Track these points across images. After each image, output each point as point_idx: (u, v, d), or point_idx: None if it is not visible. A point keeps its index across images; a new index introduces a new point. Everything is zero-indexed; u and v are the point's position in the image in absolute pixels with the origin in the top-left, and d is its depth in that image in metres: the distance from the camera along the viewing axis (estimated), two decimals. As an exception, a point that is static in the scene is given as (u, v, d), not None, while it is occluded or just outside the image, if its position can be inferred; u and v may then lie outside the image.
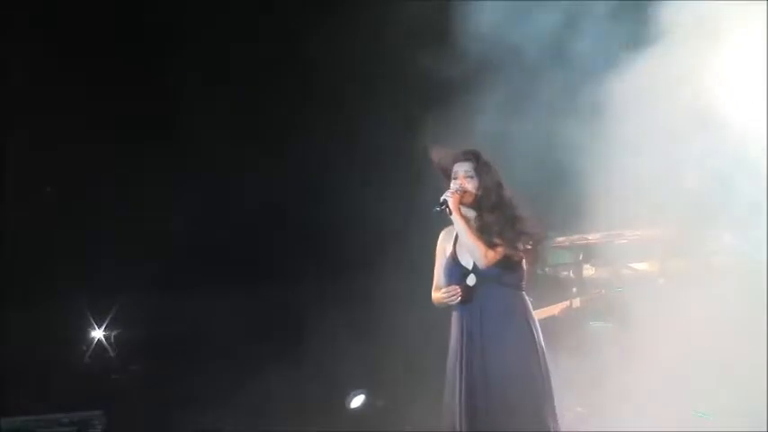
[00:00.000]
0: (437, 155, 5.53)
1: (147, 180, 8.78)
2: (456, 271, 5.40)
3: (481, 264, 5.31)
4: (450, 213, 5.34)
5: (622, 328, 8.30)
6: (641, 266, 8.47)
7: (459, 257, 5.43)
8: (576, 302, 7.64)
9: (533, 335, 5.36)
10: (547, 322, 7.42)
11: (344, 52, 8.65)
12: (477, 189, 5.41)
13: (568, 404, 7.44)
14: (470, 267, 5.38)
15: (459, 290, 5.33)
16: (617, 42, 7.77)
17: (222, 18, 8.66)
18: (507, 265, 5.36)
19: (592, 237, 8.54)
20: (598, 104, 8.01)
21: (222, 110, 8.84)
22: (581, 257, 8.50)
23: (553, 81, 8.24)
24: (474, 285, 5.35)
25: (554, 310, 7.53)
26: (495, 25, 7.78)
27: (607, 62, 7.81)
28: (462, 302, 5.34)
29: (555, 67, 8.09)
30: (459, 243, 5.46)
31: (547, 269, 8.19)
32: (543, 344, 5.39)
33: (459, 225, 5.36)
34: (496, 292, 5.34)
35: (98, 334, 8.81)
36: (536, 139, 8.42)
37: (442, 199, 5.37)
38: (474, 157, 5.47)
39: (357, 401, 8.94)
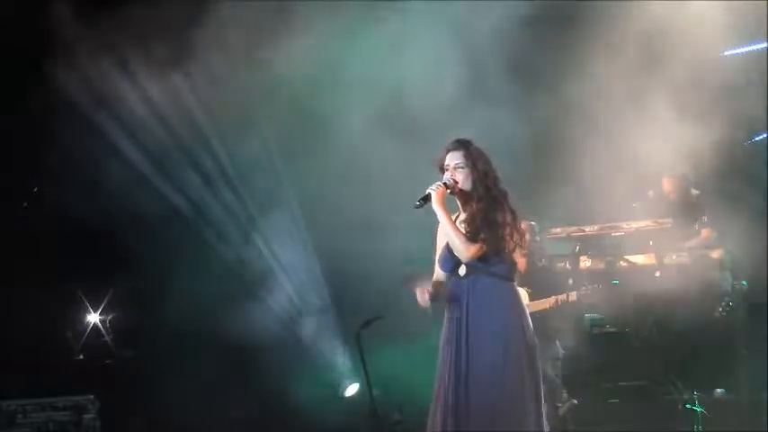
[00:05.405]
0: (437, 160, 5.41)
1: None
2: (449, 261, 5.36)
3: (463, 257, 5.26)
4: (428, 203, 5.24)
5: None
6: (638, 259, 8.47)
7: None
8: (573, 295, 7.60)
9: (521, 328, 5.25)
10: (543, 314, 7.42)
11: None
12: (468, 178, 5.33)
13: (563, 397, 7.47)
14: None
15: (425, 293, 5.27)
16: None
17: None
18: (496, 256, 5.28)
19: (588, 228, 8.53)
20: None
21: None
22: (577, 249, 8.48)
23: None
24: (463, 275, 5.31)
25: (548, 303, 7.50)
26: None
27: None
28: (451, 301, 5.31)
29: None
30: None
31: (543, 260, 8.17)
32: (534, 338, 5.29)
33: (441, 218, 5.32)
34: (484, 282, 5.28)
35: (93, 318, 8.80)
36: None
37: (426, 191, 5.29)
38: (463, 146, 5.38)
39: (351, 390, 8.94)
